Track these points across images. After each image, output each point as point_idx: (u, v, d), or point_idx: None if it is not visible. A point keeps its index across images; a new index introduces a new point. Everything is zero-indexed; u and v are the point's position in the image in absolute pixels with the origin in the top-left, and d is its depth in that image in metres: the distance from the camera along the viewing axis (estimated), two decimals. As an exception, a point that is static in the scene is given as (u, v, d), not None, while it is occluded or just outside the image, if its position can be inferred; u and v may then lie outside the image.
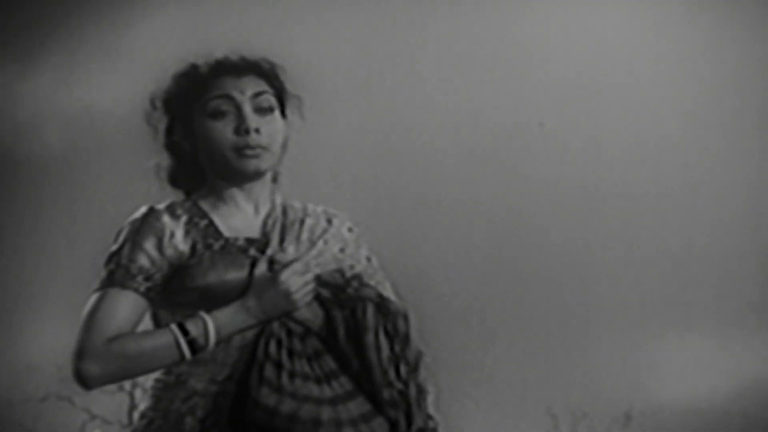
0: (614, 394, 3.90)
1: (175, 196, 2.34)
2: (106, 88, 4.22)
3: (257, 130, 2.23)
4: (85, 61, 4.31)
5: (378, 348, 2.19)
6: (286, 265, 2.18)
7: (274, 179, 2.38)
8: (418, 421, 2.20)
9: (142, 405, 2.21)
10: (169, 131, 2.33)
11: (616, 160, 4.00)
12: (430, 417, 2.24)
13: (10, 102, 4.37)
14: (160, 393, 2.17)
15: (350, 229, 2.41)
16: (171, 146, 2.33)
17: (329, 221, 2.38)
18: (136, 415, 2.25)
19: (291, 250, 2.25)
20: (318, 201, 2.44)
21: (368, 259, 2.38)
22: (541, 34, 4.04)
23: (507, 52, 4.04)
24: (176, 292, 2.16)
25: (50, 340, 4.16)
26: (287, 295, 2.15)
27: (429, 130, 4.01)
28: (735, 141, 4.01)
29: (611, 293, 3.93)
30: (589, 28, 4.06)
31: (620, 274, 3.94)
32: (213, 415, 2.12)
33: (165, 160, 2.35)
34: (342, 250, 2.33)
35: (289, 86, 2.36)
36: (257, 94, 2.26)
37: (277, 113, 2.30)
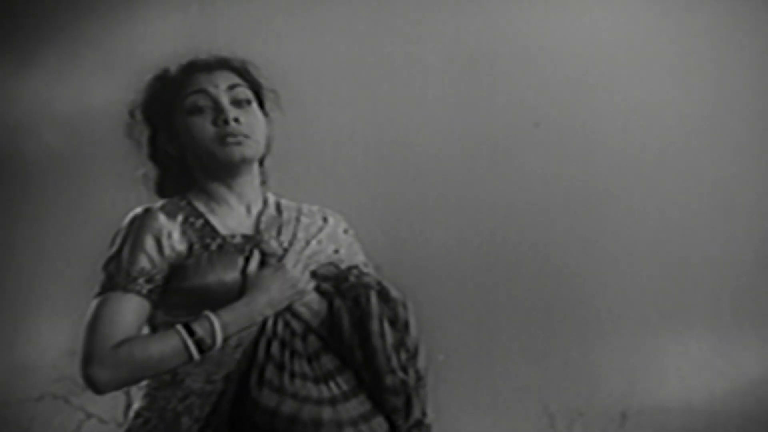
0: (611, 394, 3.90)
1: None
2: (103, 89, 4.22)
3: (236, 120, 2.23)
4: (82, 62, 4.31)
5: (382, 334, 2.18)
6: (285, 257, 2.18)
7: (263, 182, 2.38)
8: (416, 412, 2.19)
9: (137, 404, 2.20)
10: (153, 140, 2.32)
11: (614, 160, 4.00)
12: (424, 413, 2.24)
13: (6, 101, 4.37)
14: (155, 392, 2.16)
15: (346, 231, 2.40)
16: (156, 155, 2.32)
17: (325, 219, 2.38)
18: (131, 414, 2.23)
19: (274, 244, 2.24)
20: (312, 199, 2.44)
21: (364, 265, 2.38)
22: (536, 34, 4.04)
23: (503, 51, 4.04)
24: (173, 293, 2.15)
25: (46, 339, 4.15)
26: (294, 284, 2.16)
27: (426, 129, 4.01)
28: (734, 141, 4.02)
29: (608, 293, 3.93)
30: (586, 28, 4.07)
31: (618, 274, 3.94)
32: (210, 415, 2.12)
33: (152, 170, 2.35)
34: (336, 251, 2.33)
35: (264, 81, 2.37)
36: (232, 87, 2.27)
37: (255, 106, 2.30)
